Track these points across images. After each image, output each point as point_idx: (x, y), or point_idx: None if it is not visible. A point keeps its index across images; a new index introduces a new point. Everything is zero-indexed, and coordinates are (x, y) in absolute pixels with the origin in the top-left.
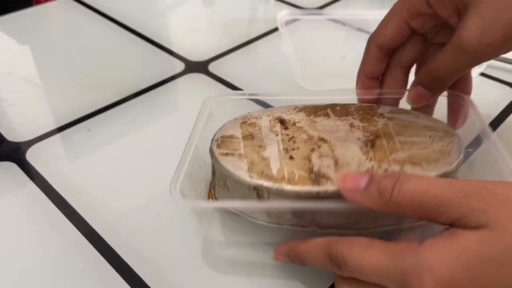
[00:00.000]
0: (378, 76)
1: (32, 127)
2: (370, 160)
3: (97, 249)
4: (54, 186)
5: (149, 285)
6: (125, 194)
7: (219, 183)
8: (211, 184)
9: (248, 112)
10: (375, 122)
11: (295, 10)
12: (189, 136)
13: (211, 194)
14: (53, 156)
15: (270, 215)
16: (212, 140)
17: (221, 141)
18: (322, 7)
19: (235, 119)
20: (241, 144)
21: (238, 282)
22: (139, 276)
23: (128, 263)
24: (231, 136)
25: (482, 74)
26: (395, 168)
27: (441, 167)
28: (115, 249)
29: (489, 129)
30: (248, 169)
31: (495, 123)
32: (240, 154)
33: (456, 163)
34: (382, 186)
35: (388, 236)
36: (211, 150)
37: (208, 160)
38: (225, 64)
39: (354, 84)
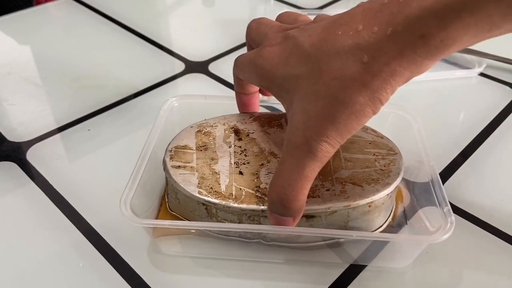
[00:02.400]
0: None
1: (32, 127)
2: (315, 178)
3: (97, 249)
4: (54, 186)
5: (149, 285)
6: None
7: (171, 194)
8: (165, 191)
9: (205, 119)
10: None
11: (295, 10)
12: (145, 141)
13: (164, 201)
14: (53, 156)
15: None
16: (166, 150)
17: (175, 152)
18: (322, 7)
19: (191, 126)
20: (194, 156)
21: (237, 279)
22: (139, 276)
23: (128, 263)
24: (185, 147)
25: (482, 74)
26: (337, 187)
27: (379, 189)
28: (115, 249)
29: (429, 151)
30: (198, 185)
31: (495, 123)
32: (192, 167)
33: (393, 184)
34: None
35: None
36: (164, 162)
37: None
38: (225, 64)
39: None
